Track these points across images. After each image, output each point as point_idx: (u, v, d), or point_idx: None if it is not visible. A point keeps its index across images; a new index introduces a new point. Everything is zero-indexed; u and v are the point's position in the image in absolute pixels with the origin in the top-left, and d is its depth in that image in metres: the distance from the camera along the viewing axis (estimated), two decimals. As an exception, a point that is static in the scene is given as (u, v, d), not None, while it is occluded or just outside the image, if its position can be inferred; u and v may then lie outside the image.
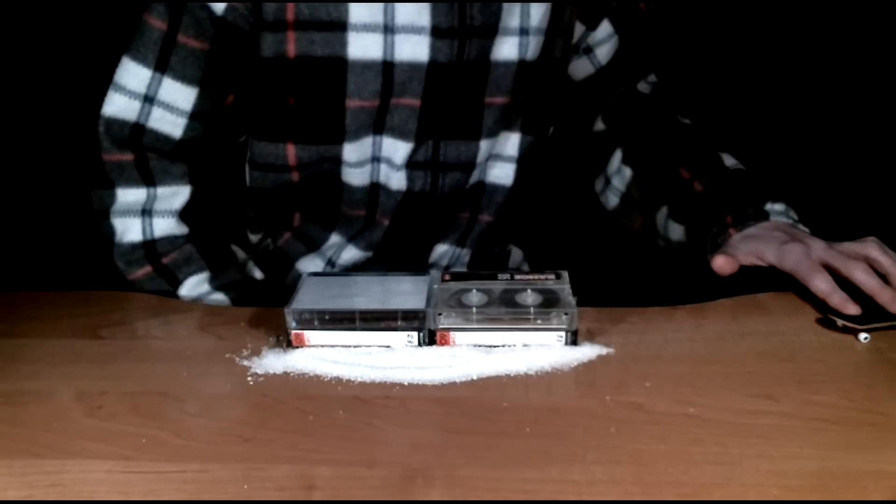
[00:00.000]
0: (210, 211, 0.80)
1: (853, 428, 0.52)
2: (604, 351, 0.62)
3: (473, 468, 0.49)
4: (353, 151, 0.78)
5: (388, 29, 0.72)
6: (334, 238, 0.87)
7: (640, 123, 0.91)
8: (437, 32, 0.73)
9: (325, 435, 0.53)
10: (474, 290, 0.66)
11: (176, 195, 0.78)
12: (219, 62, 0.74)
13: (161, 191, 0.77)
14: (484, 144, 0.82)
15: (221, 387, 0.59)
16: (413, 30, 0.73)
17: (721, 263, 0.71)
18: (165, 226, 0.77)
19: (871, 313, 0.64)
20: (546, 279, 0.67)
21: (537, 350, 0.62)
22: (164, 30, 0.73)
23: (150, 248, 0.77)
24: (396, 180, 0.81)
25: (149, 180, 0.77)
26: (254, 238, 0.90)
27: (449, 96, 0.77)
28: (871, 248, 0.67)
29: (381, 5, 0.72)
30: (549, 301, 0.64)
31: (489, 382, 0.58)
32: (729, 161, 0.84)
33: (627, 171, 0.91)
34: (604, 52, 0.88)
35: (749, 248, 0.73)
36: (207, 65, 0.74)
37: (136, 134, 0.75)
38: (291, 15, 0.71)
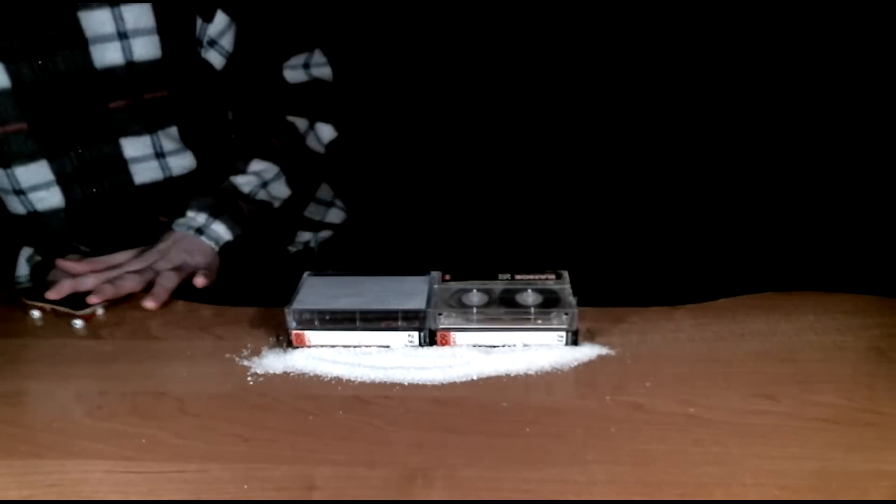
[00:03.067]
0: None
1: (853, 428, 0.52)
2: (604, 351, 0.62)
3: (473, 468, 0.49)
4: None
5: None
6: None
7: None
8: (7, 57, 0.75)
9: (325, 435, 0.53)
10: (475, 290, 0.66)
11: None
12: None
13: None
14: (129, 142, 0.83)
15: (221, 387, 0.59)
16: None
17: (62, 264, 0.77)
18: None
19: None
20: (546, 279, 0.67)
21: (537, 350, 0.62)
22: None
23: None
24: (53, 196, 0.82)
25: None
26: None
27: (60, 110, 0.79)
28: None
29: None
30: (550, 301, 0.64)
31: (489, 382, 0.58)
32: (238, 179, 0.86)
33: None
34: (229, 41, 0.88)
35: None
36: None
37: None
38: None
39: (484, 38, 1.30)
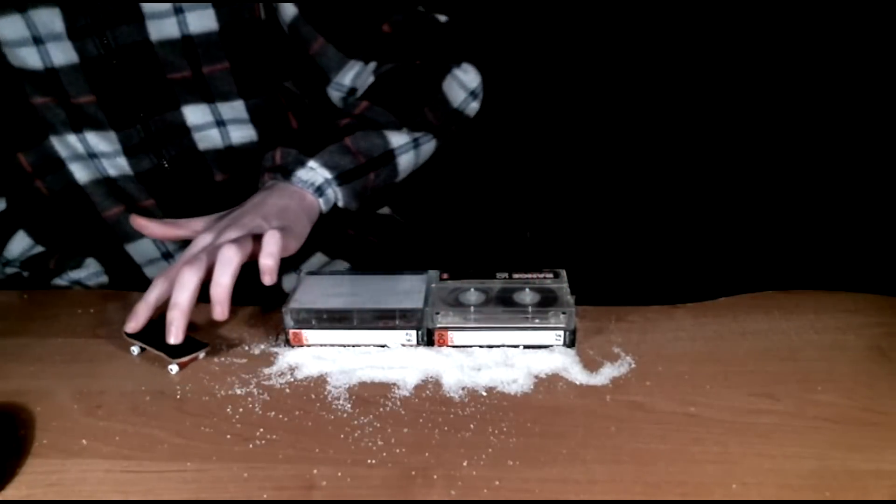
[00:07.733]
0: None
1: (854, 427, 0.52)
2: (619, 372, 0.59)
3: (473, 468, 0.49)
4: (61, 145, 0.81)
5: (38, 40, 0.77)
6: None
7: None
8: (73, 34, 0.77)
9: (325, 435, 0.53)
10: (472, 289, 0.66)
11: None
12: None
13: None
14: (190, 111, 0.83)
15: (221, 386, 0.59)
16: (54, 37, 0.77)
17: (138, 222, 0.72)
18: None
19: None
20: (544, 278, 0.67)
21: (537, 350, 0.62)
22: None
23: None
24: (119, 167, 0.83)
25: None
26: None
27: (124, 84, 0.80)
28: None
29: (21, 21, 0.76)
30: (548, 300, 0.64)
31: (489, 382, 0.58)
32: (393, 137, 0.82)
33: None
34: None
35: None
36: None
37: None
38: None
39: (481, 35, 1.30)
